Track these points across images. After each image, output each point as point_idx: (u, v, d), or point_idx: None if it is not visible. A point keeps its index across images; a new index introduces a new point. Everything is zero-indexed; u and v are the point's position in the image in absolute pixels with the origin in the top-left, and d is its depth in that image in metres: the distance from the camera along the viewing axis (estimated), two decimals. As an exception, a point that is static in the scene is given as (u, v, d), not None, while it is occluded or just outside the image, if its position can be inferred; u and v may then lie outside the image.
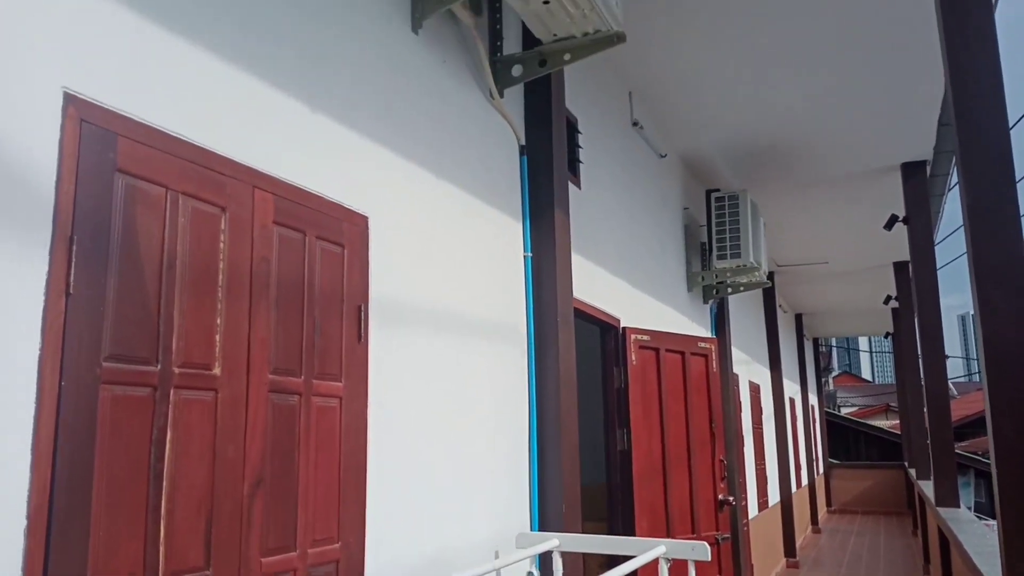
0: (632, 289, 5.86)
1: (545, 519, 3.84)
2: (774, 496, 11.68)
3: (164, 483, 1.91)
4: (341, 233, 2.64)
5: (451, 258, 3.38)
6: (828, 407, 26.78)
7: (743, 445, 9.27)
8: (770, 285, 8.76)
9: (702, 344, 6.15)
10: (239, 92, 2.31)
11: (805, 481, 15.75)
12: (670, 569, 3.16)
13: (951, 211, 8.71)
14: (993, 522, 3.11)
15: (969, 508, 13.47)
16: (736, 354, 9.35)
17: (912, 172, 7.88)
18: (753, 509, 9.76)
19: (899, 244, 10.38)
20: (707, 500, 5.91)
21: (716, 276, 7.77)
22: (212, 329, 2.09)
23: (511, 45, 4.07)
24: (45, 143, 1.73)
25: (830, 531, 15.83)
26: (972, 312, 3.22)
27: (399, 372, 2.93)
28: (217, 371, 2.09)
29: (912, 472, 11.58)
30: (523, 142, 4.15)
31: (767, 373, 12.47)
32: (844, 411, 32.48)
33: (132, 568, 1.82)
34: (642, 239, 6.27)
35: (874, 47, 5.59)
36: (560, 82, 4.29)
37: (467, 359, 3.42)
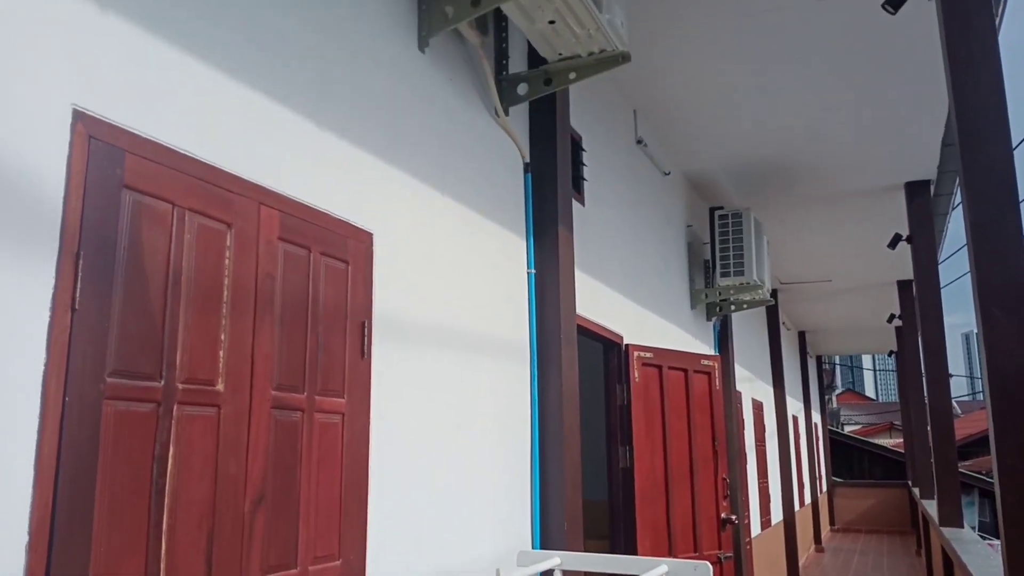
0: (635, 306, 5.87)
1: (547, 536, 3.82)
2: (777, 515, 11.62)
3: (166, 499, 1.91)
4: (346, 249, 2.65)
5: (455, 274, 3.39)
6: (831, 425, 26.69)
7: (746, 463, 9.23)
8: (773, 303, 8.76)
9: (705, 362, 6.15)
10: (246, 108, 2.32)
11: (808, 499, 15.67)
12: (672, 589, 3.14)
13: (955, 230, 8.74)
14: (997, 542, 3.09)
15: (973, 528, 13.38)
16: (739, 371, 9.33)
17: (916, 191, 7.90)
18: (756, 527, 9.71)
19: (903, 263, 10.38)
20: (710, 518, 5.89)
21: (719, 293, 7.78)
22: (216, 345, 2.10)
23: (517, 64, 4.10)
24: (53, 159, 1.74)
25: (833, 550, 15.73)
26: (976, 331, 3.22)
27: (401, 388, 2.93)
28: (220, 387, 2.10)
29: (916, 491, 11.52)
30: (527, 159, 4.17)
31: (770, 391, 12.44)
32: (847, 429, 32.36)
33: (133, 584, 1.82)
34: (646, 256, 6.28)
35: (878, 66, 5.62)
36: (565, 100, 4.31)
37: (470, 375, 3.43)
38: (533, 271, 4.08)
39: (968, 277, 3.26)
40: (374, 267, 2.82)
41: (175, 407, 1.96)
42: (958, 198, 7.94)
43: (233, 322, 2.15)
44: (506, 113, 3.91)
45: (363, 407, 2.66)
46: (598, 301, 5.09)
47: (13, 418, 1.61)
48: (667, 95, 6.02)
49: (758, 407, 10.77)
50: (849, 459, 23.31)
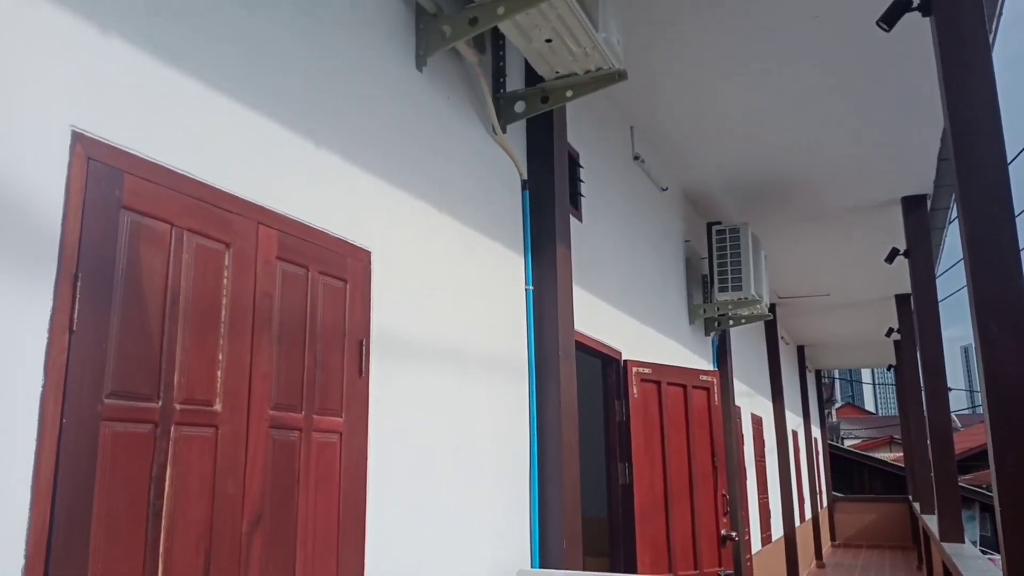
0: (634, 322, 5.87)
1: (546, 554, 3.80)
2: (777, 530, 11.57)
3: (163, 521, 1.90)
4: (344, 268, 2.65)
5: (453, 291, 3.40)
6: (831, 439, 26.62)
7: (746, 478, 9.20)
8: (772, 317, 8.76)
9: (704, 377, 6.14)
10: (245, 127, 2.33)
11: (809, 515, 15.61)
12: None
13: (952, 243, 8.76)
14: (998, 557, 3.08)
15: (974, 543, 13.32)
16: (738, 386, 9.32)
17: (913, 206, 7.92)
18: (756, 543, 9.66)
19: (901, 277, 10.39)
20: (709, 535, 5.86)
21: (718, 308, 7.78)
22: (214, 365, 2.10)
23: (514, 82, 4.12)
24: (52, 181, 1.75)
25: (834, 566, 15.65)
26: (974, 344, 3.23)
27: (400, 406, 2.93)
28: (218, 407, 2.09)
29: (916, 506, 11.48)
30: (525, 176, 4.18)
31: (769, 405, 12.42)
32: (847, 443, 32.26)
33: (130, 607, 1.81)
34: (644, 272, 6.29)
35: (873, 82, 5.65)
36: (562, 117, 4.33)
37: (468, 393, 3.42)
38: (531, 287, 4.09)
39: (967, 290, 3.26)
40: (372, 285, 2.82)
41: (172, 428, 1.96)
42: (955, 212, 7.95)
43: (231, 342, 2.15)
44: (504, 130, 3.93)
45: (361, 426, 2.66)
46: (596, 317, 5.09)
47: (11, 440, 1.61)
48: (664, 111, 6.05)
49: (757, 422, 10.75)
50: (849, 474, 23.23)
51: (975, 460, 22.64)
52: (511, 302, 3.92)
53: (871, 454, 25.65)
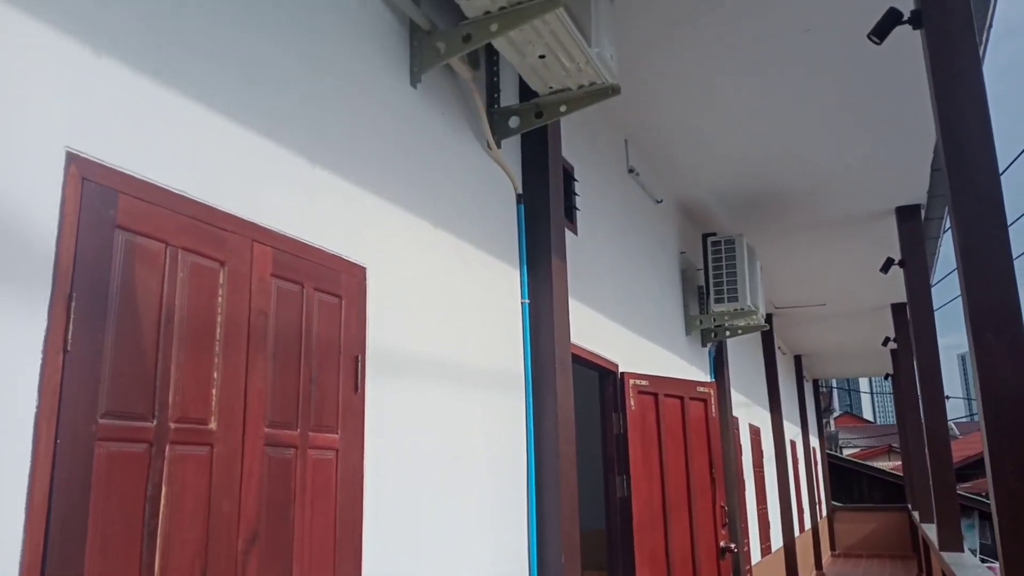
0: (630, 334, 5.87)
1: (544, 568, 3.79)
2: (777, 541, 11.54)
3: (158, 540, 1.90)
4: (339, 284, 2.66)
5: (449, 306, 3.40)
6: (830, 448, 26.59)
7: (744, 489, 9.18)
8: (768, 328, 8.77)
9: (701, 388, 6.14)
10: (239, 146, 2.34)
11: (808, 525, 15.57)
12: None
13: (947, 252, 8.76)
14: (998, 565, 3.08)
15: (974, 551, 13.28)
16: (736, 397, 9.32)
17: (907, 216, 7.95)
18: (756, 554, 9.63)
19: (896, 286, 10.42)
20: (708, 547, 5.85)
21: (714, 320, 7.79)
22: (209, 383, 2.10)
23: (508, 97, 4.14)
24: (47, 201, 1.75)
25: (834, 575, 15.60)
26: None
27: (396, 422, 2.93)
28: (213, 425, 2.09)
29: (916, 515, 11.46)
30: (520, 190, 4.20)
31: (767, 415, 12.41)
32: (846, 452, 32.23)
33: (125, 628, 1.80)
34: (640, 284, 6.30)
35: (865, 93, 5.68)
36: (556, 132, 4.35)
37: (464, 407, 3.42)
38: (527, 301, 4.09)
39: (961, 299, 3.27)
40: (367, 301, 2.83)
41: (167, 447, 1.96)
42: (949, 222, 7.99)
43: (226, 360, 2.15)
44: (498, 145, 3.94)
45: (357, 442, 2.65)
46: (593, 329, 5.10)
47: (4, 462, 1.60)
48: (657, 124, 6.07)
49: (755, 432, 10.73)
50: (848, 483, 23.19)
51: (974, 468, 22.61)
52: (507, 316, 3.92)
53: (870, 463, 25.62)
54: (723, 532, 6.03)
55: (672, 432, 5.74)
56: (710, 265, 7.54)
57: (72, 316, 1.75)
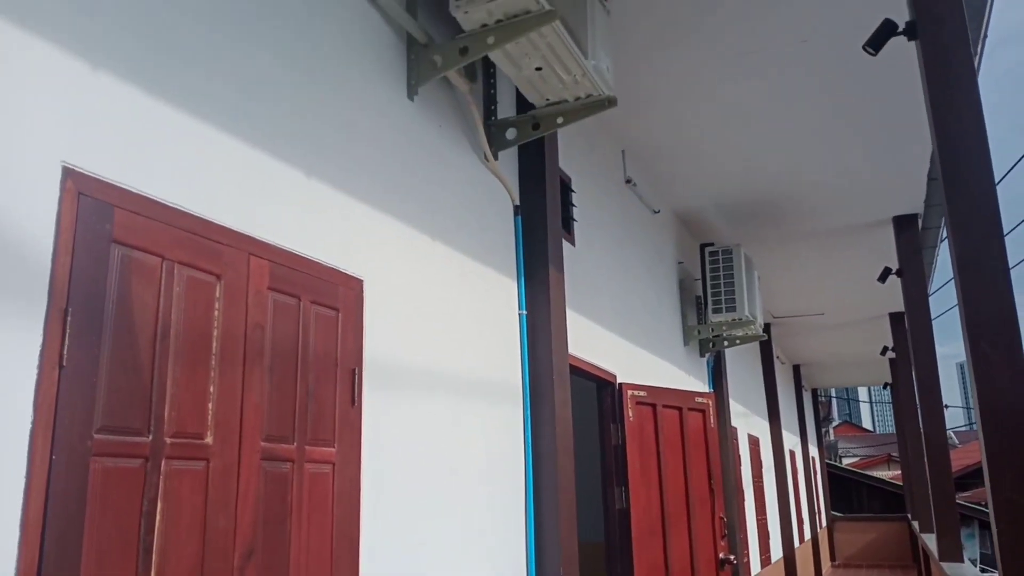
0: (628, 344, 5.87)
1: (543, 581, 3.78)
2: (776, 552, 11.50)
3: (154, 556, 1.89)
4: (336, 297, 2.65)
5: (446, 318, 3.40)
6: (829, 458, 26.54)
7: (743, 500, 9.16)
8: (766, 338, 8.77)
9: (699, 399, 6.13)
10: (236, 159, 2.34)
11: (808, 535, 15.53)
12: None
13: (945, 261, 8.76)
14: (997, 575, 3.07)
15: (974, 561, 13.24)
16: (734, 407, 9.30)
17: (904, 225, 7.97)
18: (756, 566, 9.60)
19: (894, 295, 10.42)
20: (708, 559, 5.83)
21: (712, 330, 7.79)
22: (205, 397, 2.09)
23: (505, 109, 4.15)
24: (43, 216, 1.75)
25: (835, 586, 15.53)
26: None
27: (393, 434, 2.92)
28: (209, 440, 2.09)
29: (915, 524, 11.43)
30: (517, 202, 4.20)
31: (766, 425, 12.39)
32: (846, 461, 32.19)
33: (120, 645, 1.79)
34: (637, 294, 6.30)
35: (861, 103, 5.70)
36: (553, 143, 4.36)
37: (462, 419, 3.41)
38: (524, 312, 4.09)
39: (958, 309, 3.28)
40: (365, 313, 2.82)
41: (163, 462, 1.95)
42: (946, 231, 7.99)
43: (222, 374, 2.15)
44: (495, 157, 3.95)
45: (354, 455, 2.64)
46: (590, 340, 5.09)
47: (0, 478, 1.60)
48: (654, 135, 6.09)
49: (754, 442, 10.72)
50: (848, 492, 23.13)
51: (974, 477, 22.56)
52: (504, 327, 3.92)
53: (869, 472, 25.56)
54: (722, 543, 6.01)
55: (671, 443, 5.73)
56: (708, 275, 7.55)
57: (68, 331, 1.75)
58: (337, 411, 2.58)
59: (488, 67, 4.03)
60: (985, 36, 4.78)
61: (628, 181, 6.27)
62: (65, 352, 1.74)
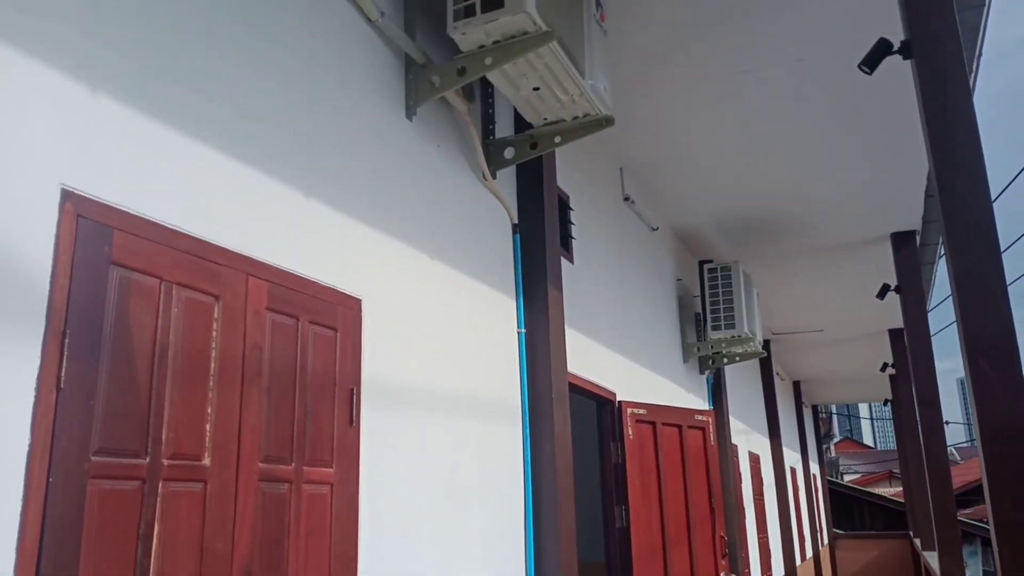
0: (628, 362, 5.86)
1: (542, 602, 3.75)
2: (778, 570, 11.43)
3: (150, 579, 1.88)
4: (334, 317, 2.66)
5: (445, 336, 3.40)
6: (830, 475, 26.42)
7: (744, 517, 9.11)
8: (766, 355, 8.75)
9: (699, 417, 6.12)
10: (235, 180, 2.35)
11: (810, 553, 15.44)
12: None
13: (943, 277, 8.77)
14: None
15: (977, 579, 13.13)
16: (734, 424, 9.28)
17: (902, 242, 7.98)
18: (757, 584, 9.54)
19: (893, 311, 10.41)
20: (708, 578, 5.79)
21: (712, 347, 7.78)
22: (203, 419, 2.09)
23: (503, 128, 4.17)
24: (42, 239, 1.76)
25: (837, 605, 15.42)
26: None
27: (391, 455, 2.91)
28: (207, 461, 2.08)
29: (917, 542, 11.37)
30: (516, 220, 4.21)
31: (767, 442, 12.35)
32: (847, 478, 32.03)
33: (116, 669, 1.77)
34: (636, 311, 6.30)
35: (858, 121, 5.73)
36: (551, 162, 4.37)
37: (461, 439, 3.40)
38: (523, 331, 4.09)
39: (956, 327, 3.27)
40: (363, 333, 2.82)
41: (160, 484, 1.94)
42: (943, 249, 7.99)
43: (220, 395, 2.15)
44: (493, 176, 3.96)
45: (352, 476, 2.63)
46: (590, 358, 5.09)
47: (-5, 501, 1.59)
48: (652, 153, 6.11)
49: (755, 460, 10.68)
50: (850, 510, 23.01)
51: (975, 494, 22.43)
52: (503, 346, 3.92)
53: (871, 489, 25.45)
54: (723, 562, 5.98)
55: (671, 461, 5.71)
56: (707, 292, 7.55)
57: (66, 353, 1.75)
58: (335, 431, 2.58)
59: (486, 87, 4.05)
60: (980, 54, 4.81)
61: (626, 198, 6.28)
62: (63, 374, 1.74)
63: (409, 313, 3.15)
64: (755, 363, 12.29)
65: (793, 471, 14.70)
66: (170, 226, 2.09)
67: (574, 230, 5.06)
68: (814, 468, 18.72)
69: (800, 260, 9.00)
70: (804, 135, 5.89)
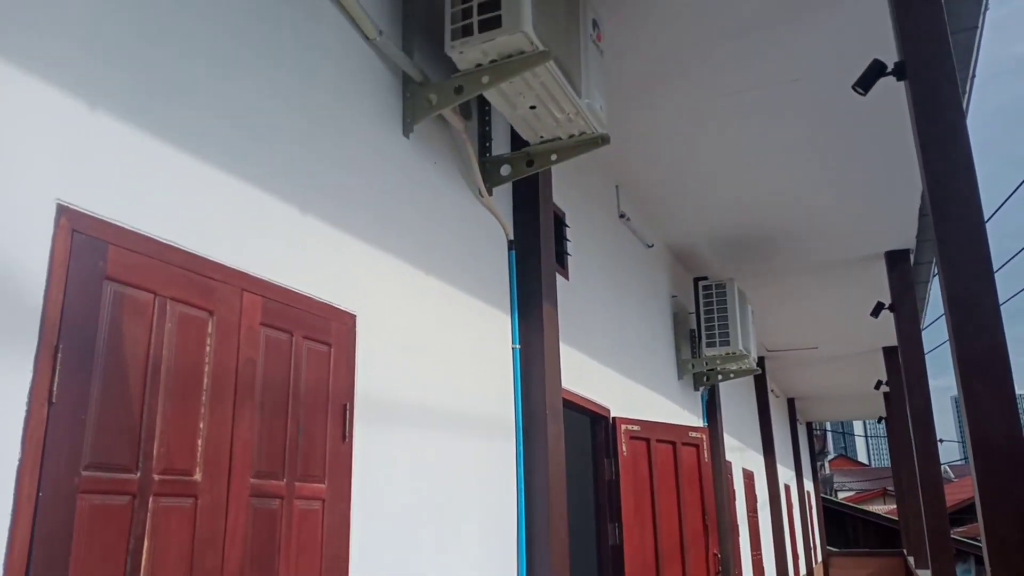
0: (622, 378, 5.86)
1: (534, 620, 3.73)
2: (772, 588, 11.38)
3: (140, 595, 1.87)
4: (328, 332, 2.66)
5: (439, 352, 3.39)
6: (824, 492, 26.37)
7: (738, 535, 9.09)
8: (760, 372, 8.76)
9: (693, 434, 6.11)
10: (231, 196, 2.36)
11: (803, 570, 15.38)
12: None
13: (937, 296, 8.81)
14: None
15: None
16: (729, 441, 9.27)
17: (896, 261, 8.02)
18: (751, 602, 9.49)
19: (887, 329, 10.44)
20: (702, 596, 5.77)
21: (706, 363, 7.79)
22: (195, 434, 2.08)
23: (499, 146, 4.19)
24: (36, 253, 1.76)
25: (831, 623, 15.36)
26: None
27: (384, 470, 2.90)
28: (198, 477, 2.07)
29: (911, 560, 11.34)
30: (512, 237, 4.22)
31: (761, 459, 12.33)
32: (841, 495, 31.97)
33: None
34: (631, 328, 6.30)
35: (852, 140, 5.76)
36: (547, 179, 4.39)
37: (454, 455, 3.39)
38: (518, 347, 4.09)
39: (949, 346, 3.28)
40: (357, 348, 2.82)
41: (151, 499, 1.94)
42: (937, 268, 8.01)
43: (212, 410, 2.14)
44: (490, 193, 3.98)
45: (344, 491, 2.63)
46: (584, 374, 5.09)
47: (-16, 517, 1.58)
48: (648, 170, 6.14)
49: (749, 477, 10.66)
50: (843, 527, 22.96)
51: (969, 512, 22.42)
52: (498, 362, 3.92)
53: (865, 506, 25.40)
54: (717, 580, 5.95)
55: (664, 478, 5.70)
56: (701, 309, 7.57)
57: (58, 367, 1.75)
58: (328, 447, 2.57)
59: (483, 105, 4.07)
60: (973, 76, 4.85)
61: (622, 216, 6.30)
62: (55, 389, 1.73)
63: (404, 329, 3.15)
64: (750, 380, 12.29)
65: (787, 488, 14.67)
66: (165, 241, 2.09)
67: (570, 247, 5.07)
68: (808, 485, 18.69)
69: (795, 278, 9.02)
70: (799, 154, 5.93)
